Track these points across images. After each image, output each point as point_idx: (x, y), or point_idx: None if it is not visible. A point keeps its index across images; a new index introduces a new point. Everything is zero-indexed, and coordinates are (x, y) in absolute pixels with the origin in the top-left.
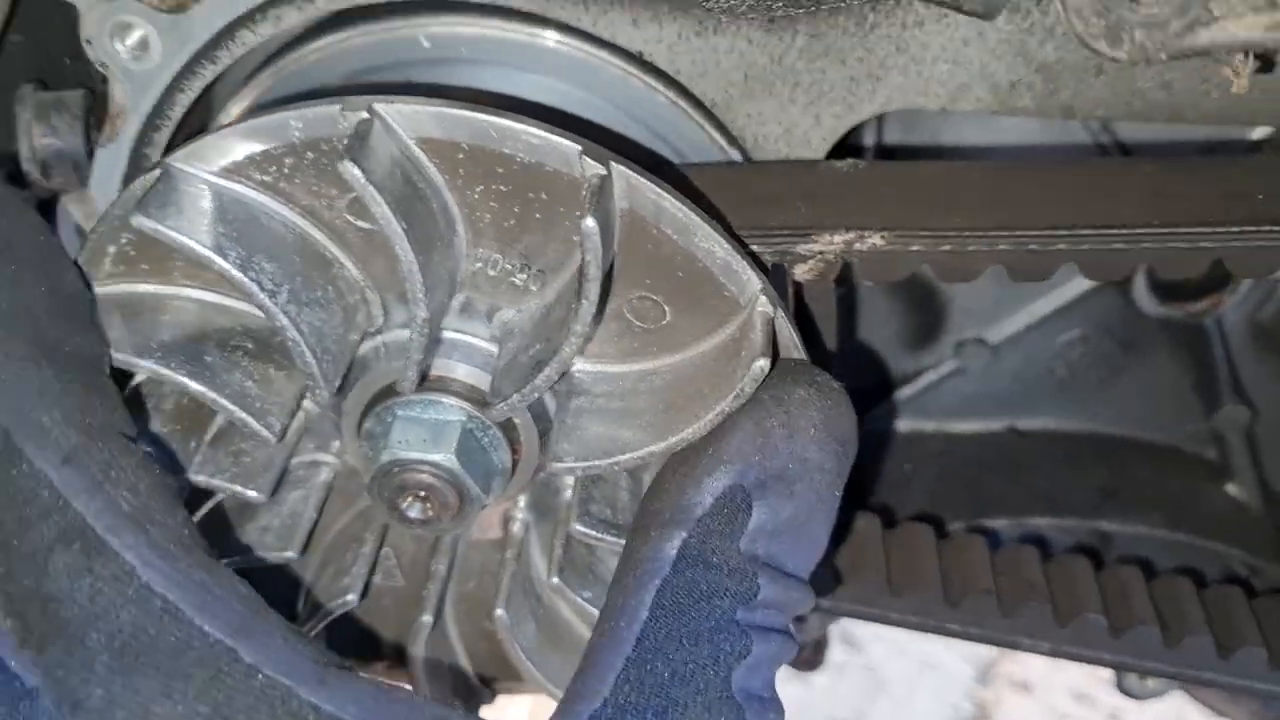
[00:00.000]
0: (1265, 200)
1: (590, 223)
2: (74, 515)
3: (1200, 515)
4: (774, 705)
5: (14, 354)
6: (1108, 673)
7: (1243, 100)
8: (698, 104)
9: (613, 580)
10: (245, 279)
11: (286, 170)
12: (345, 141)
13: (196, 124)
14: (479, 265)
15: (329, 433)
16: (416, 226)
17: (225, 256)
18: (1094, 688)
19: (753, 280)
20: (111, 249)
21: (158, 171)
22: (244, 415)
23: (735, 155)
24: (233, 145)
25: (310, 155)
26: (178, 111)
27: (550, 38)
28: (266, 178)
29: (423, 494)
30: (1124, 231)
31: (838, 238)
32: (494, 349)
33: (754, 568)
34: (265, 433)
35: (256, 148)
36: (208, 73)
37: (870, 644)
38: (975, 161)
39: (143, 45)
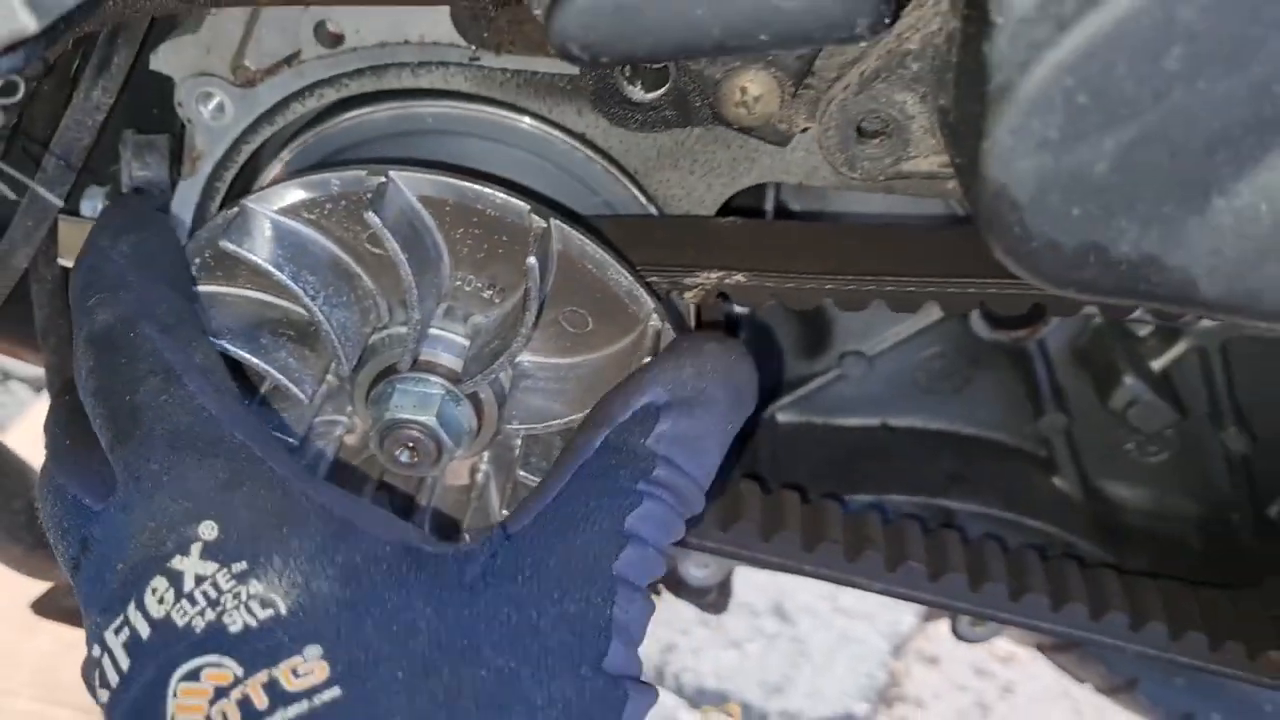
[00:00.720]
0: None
1: (532, 260)
2: (161, 360)
3: (1030, 500)
4: (654, 555)
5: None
6: (1004, 650)
7: None
8: (625, 171)
9: (549, 472)
10: (296, 287)
11: (326, 211)
12: (369, 196)
13: (252, 167)
14: (458, 283)
15: (343, 401)
16: (415, 255)
17: (282, 270)
18: (991, 664)
19: (648, 303)
20: (197, 260)
21: (237, 209)
22: (287, 382)
23: (652, 209)
24: (289, 193)
25: (343, 202)
26: (241, 158)
27: (524, 120)
28: (311, 216)
29: (411, 445)
30: (913, 279)
31: (713, 275)
32: (467, 343)
33: (654, 457)
34: (300, 395)
35: (305, 195)
36: (265, 131)
37: (799, 617)
38: (820, 223)
39: (220, 108)
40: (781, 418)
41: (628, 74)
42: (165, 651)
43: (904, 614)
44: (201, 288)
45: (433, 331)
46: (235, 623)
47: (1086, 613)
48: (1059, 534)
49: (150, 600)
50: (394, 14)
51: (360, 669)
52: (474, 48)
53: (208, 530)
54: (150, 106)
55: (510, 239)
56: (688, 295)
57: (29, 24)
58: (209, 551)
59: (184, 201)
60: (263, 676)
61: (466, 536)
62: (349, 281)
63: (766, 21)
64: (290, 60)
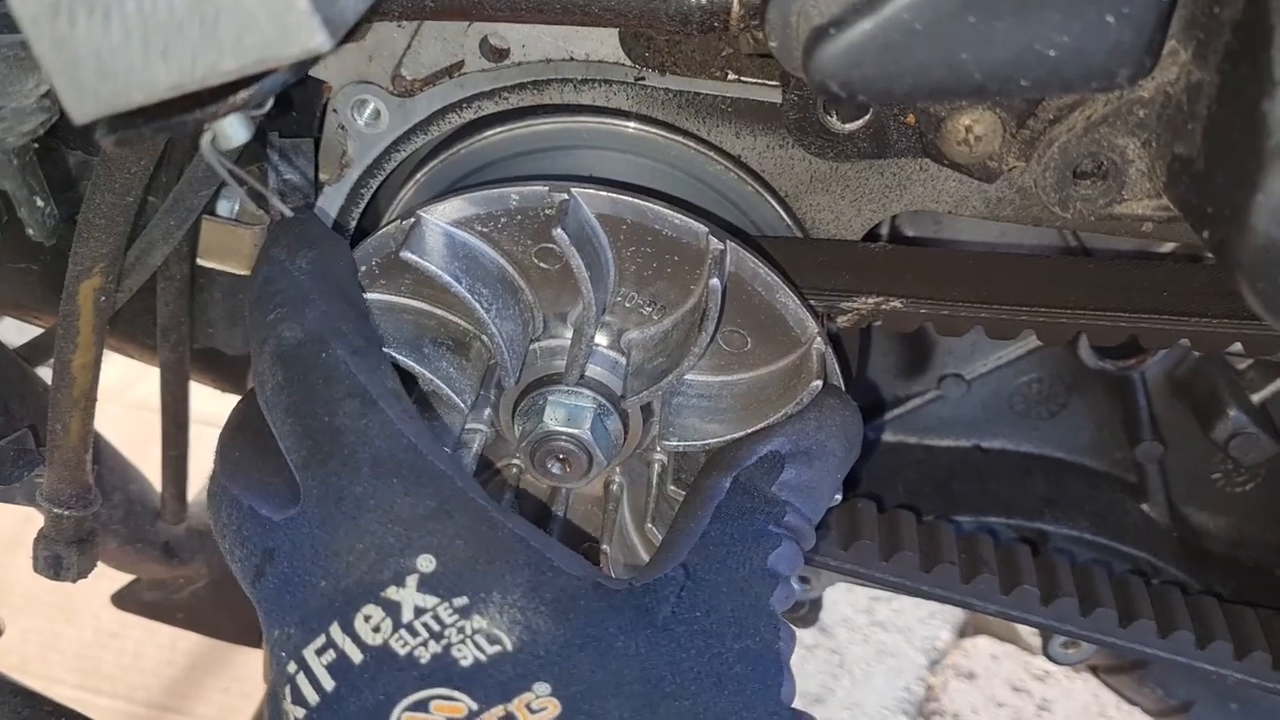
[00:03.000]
0: (1168, 296)
1: (715, 282)
2: (357, 383)
3: (1120, 525)
4: (791, 591)
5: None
6: (1040, 668)
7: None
8: (775, 194)
9: (679, 507)
10: (473, 300)
11: (500, 225)
12: (549, 212)
13: (397, 178)
14: (618, 299)
15: (485, 409)
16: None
17: (460, 283)
18: (1028, 681)
19: (813, 326)
20: (363, 268)
21: (413, 219)
22: (450, 391)
23: (798, 233)
24: (465, 205)
25: (519, 218)
26: (389, 166)
27: (678, 140)
28: (485, 229)
29: (562, 457)
30: (1067, 311)
31: (870, 300)
32: (620, 358)
33: (782, 503)
34: (462, 405)
35: (481, 210)
36: (419, 141)
37: (836, 629)
38: (967, 251)
39: (375, 116)
40: (878, 436)
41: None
42: (385, 680)
43: (940, 628)
44: (368, 296)
45: (545, 344)
46: (465, 657)
47: (1193, 640)
48: (1147, 559)
49: (363, 627)
50: (560, 31)
51: (587, 706)
52: (640, 67)
53: (425, 563)
54: (293, 109)
55: (681, 259)
56: (841, 319)
57: (325, 43)
58: (427, 584)
59: (326, 207)
60: (499, 711)
61: (606, 549)
62: (513, 294)
63: (1029, 67)
64: (452, 71)
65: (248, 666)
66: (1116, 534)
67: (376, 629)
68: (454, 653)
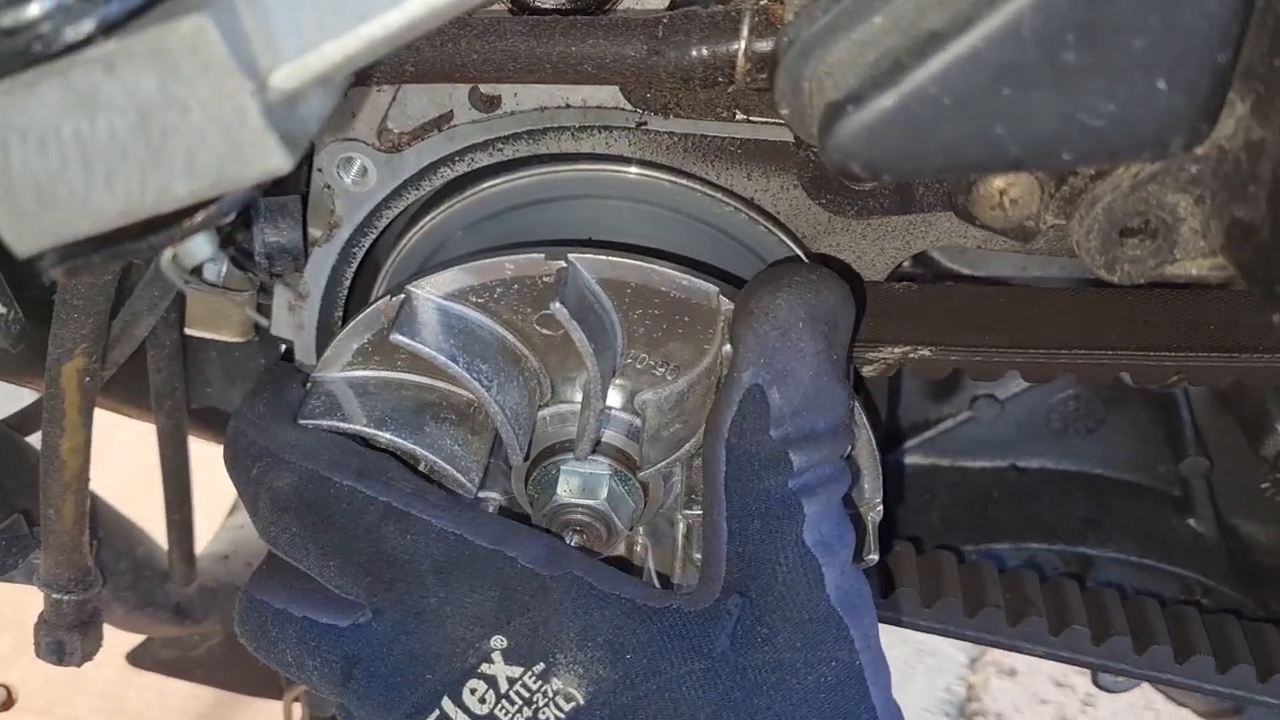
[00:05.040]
0: (1214, 329)
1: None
2: (382, 505)
3: (1166, 544)
4: (842, 542)
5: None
6: None
7: None
8: (792, 236)
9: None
10: (473, 380)
11: (496, 295)
12: (546, 280)
13: (391, 234)
14: (629, 361)
15: (499, 477)
16: (596, 341)
17: (457, 362)
18: (1071, 676)
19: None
20: (355, 345)
21: (402, 295)
22: (455, 473)
23: None
24: (459, 277)
25: (516, 286)
26: (381, 224)
27: (684, 184)
28: (480, 300)
29: (579, 529)
30: (1108, 352)
31: (897, 350)
32: (634, 419)
33: (785, 447)
34: (469, 485)
35: (475, 280)
36: (411, 196)
37: None
38: (995, 287)
39: (362, 173)
40: (909, 460)
41: None
42: None
43: None
44: (361, 374)
45: (554, 410)
46: (549, 718)
47: (1254, 674)
48: (1197, 579)
49: (470, 700)
50: None
51: None
52: (640, 111)
53: (499, 642)
54: None
55: (692, 319)
56: (867, 369)
57: (284, 164)
58: (509, 656)
59: (318, 268)
60: None
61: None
62: (515, 363)
63: (1072, 139)
64: (441, 124)
65: (273, 704)
66: (1164, 554)
67: (482, 700)
68: (541, 715)
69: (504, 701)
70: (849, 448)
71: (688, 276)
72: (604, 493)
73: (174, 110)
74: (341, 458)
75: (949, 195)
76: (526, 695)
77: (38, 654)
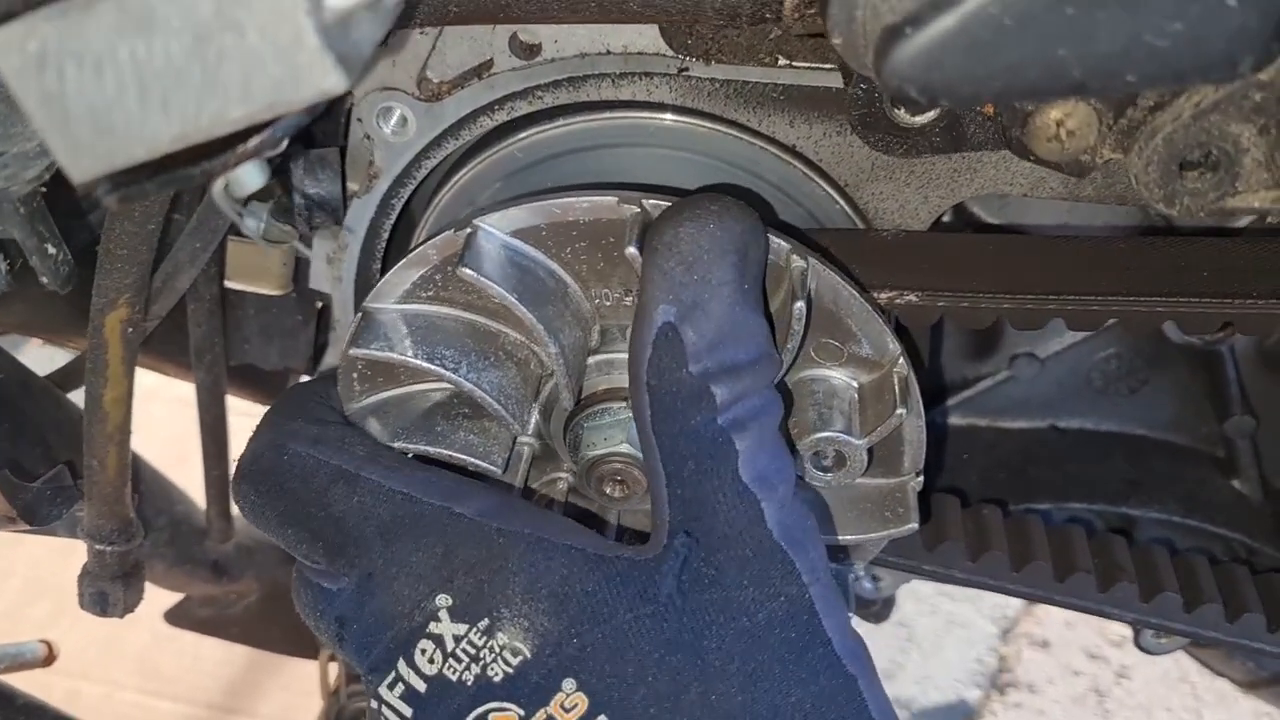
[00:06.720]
0: (1256, 276)
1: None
2: (332, 467)
3: (1210, 505)
4: (780, 475)
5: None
6: (1116, 633)
7: None
8: (833, 183)
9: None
10: (430, 365)
11: (439, 283)
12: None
13: (429, 186)
14: (597, 300)
15: (553, 455)
16: (530, 292)
17: (419, 357)
18: (1105, 648)
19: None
20: (355, 374)
21: (360, 314)
22: (475, 460)
23: (860, 224)
24: (401, 279)
25: (449, 268)
26: (420, 174)
27: (729, 132)
28: (429, 293)
29: (618, 478)
30: (1098, 297)
31: (883, 295)
32: None
33: (705, 382)
34: (493, 469)
35: (414, 274)
36: (450, 146)
37: (903, 602)
38: (992, 235)
39: (402, 123)
40: (947, 420)
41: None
42: (447, 702)
43: (1010, 597)
44: (366, 400)
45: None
46: (497, 673)
47: None
48: (1242, 540)
49: (421, 660)
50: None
51: (615, 695)
52: (681, 57)
53: (444, 600)
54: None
55: (616, 238)
56: None
57: (340, 84)
58: (455, 614)
59: (358, 218)
60: (541, 715)
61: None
62: (491, 340)
63: (1138, 61)
64: (481, 72)
65: (307, 664)
66: (1208, 515)
67: (431, 660)
68: (489, 671)
69: (450, 660)
70: (775, 376)
71: (586, 197)
72: (627, 435)
73: (230, 32)
74: (301, 427)
75: (1003, 129)
76: (473, 652)
77: (81, 605)
